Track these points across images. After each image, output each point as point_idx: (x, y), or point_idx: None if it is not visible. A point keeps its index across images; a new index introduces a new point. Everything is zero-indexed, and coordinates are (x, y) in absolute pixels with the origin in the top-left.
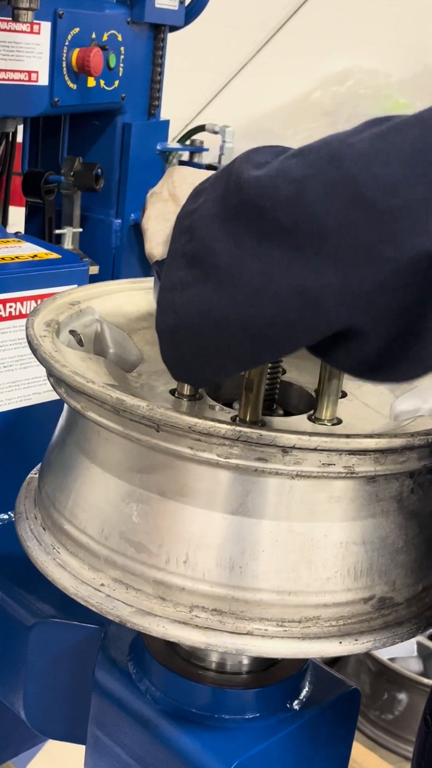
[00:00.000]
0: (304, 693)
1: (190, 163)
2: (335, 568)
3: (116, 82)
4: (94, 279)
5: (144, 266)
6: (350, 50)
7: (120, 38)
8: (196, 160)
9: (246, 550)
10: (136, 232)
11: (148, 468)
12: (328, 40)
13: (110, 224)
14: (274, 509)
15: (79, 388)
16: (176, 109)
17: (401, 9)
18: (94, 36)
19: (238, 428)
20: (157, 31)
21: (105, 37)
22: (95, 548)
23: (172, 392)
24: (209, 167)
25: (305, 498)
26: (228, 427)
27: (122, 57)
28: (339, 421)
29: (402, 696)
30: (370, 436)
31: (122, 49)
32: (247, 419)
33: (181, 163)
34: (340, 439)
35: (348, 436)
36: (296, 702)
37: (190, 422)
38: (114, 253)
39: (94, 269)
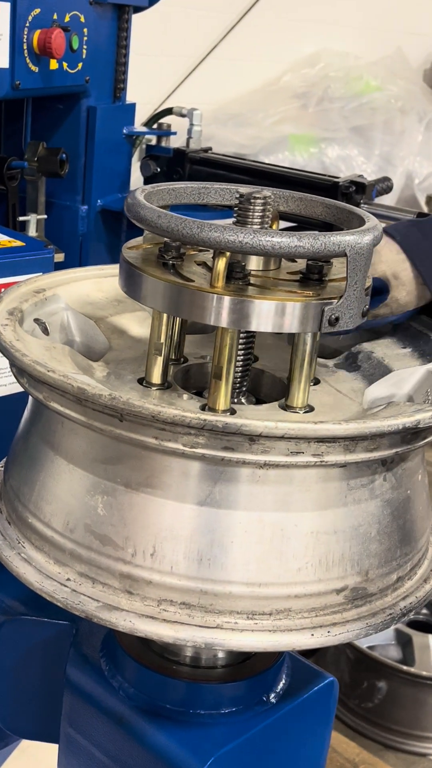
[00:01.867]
0: (280, 685)
1: (157, 148)
2: (306, 559)
3: (80, 65)
4: (59, 267)
5: (112, 253)
6: (320, 33)
7: (83, 19)
8: (163, 143)
9: (214, 541)
10: (103, 218)
11: (112, 459)
12: (298, 23)
13: (76, 210)
14: (243, 500)
15: (41, 378)
16: (145, 93)
17: None
18: (55, 17)
19: (203, 417)
20: (121, 12)
21: (67, 18)
22: (60, 542)
23: (140, 381)
24: (177, 151)
25: (274, 488)
26: (193, 415)
27: (85, 38)
28: (311, 409)
29: (381, 684)
30: (339, 422)
31: (85, 30)
32: (217, 408)
33: (149, 147)
34: (307, 426)
35: (316, 422)
36: (273, 695)
37: (153, 411)
38: (81, 240)
39: (59, 257)
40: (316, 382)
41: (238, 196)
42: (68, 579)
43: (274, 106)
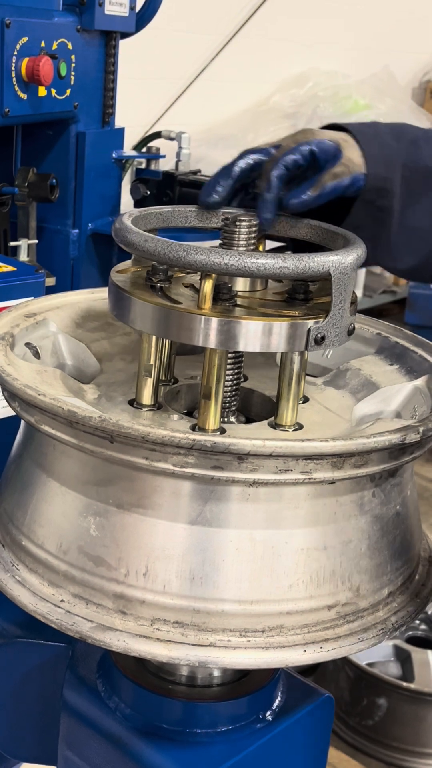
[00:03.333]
0: (276, 703)
1: (147, 171)
2: (297, 576)
3: (68, 91)
4: (51, 290)
5: (104, 275)
6: (308, 52)
7: (70, 46)
8: (152, 167)
9: (206, 560)
10: (95, 242)
11: (104, 480)
12: (286, 43)
13: (67, 234)
14: (234, 518)
15: (31, 401)
16: (136, 116)
17: (359, 9)
18: (43, 45)
19: (192, 437)
20: (108, 38)
21: (54, 46)
22: (54, 564)
23: (131, 403)
24: (166, 174)
25: (264, 505)
26: (182, 436)
27: (73, 65)
28: (300, 427)
29: (382, 701)
30: (326, 439)
31: (73, 57)
32: (207, 427)
33: (138, 171)
34: (295, 444)
35: (303, 440)
36: (269, 712)
37: (143, 432)
38: (72, 264)
39: (50, 281)
40: (305, 400)
41: (224, 219)
42: (62, 600)
43: (264, 127)
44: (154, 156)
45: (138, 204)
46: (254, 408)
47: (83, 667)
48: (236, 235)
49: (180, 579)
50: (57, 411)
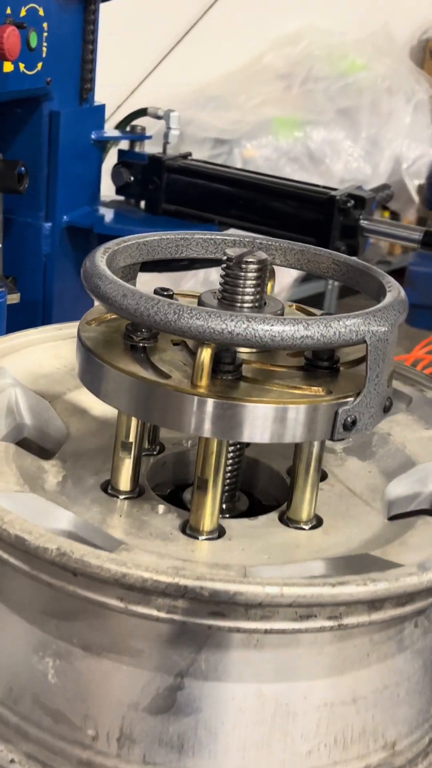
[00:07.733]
0: None
1: (130, 153)
2: (319, 738)
3: (39, 65)
4: (14, 309)
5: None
6: (303, 8)
7: (41, 13)
8: (137, 149)
9: (200, 723)
10: (70, 236)
11: (66, 614)
12: None
13: (39, 228)
14: (236, 669)
15: None
16: (113, 79)
17: None
18: (9, 12)
19: (183, 582)
20: (87, 2)
21: (23, 13)
22: (3, 713)
23: (105, 487)
24: (153, 158)
25: (277, 653)
26: (169, 580)
27: (45, 35)
28: (319, 522)
29: None
30: (365, 582)
31: (45, 25)
32: (201, 528)
33: (121, 153)
34: (323, 591)
35: (334, 584)
36: None
37: (116, 573)
38: (45, 262)
39: (13, 298)
40: (323, 476)
41: (225, 258)
42: (13, 760)
43: (255, 88)
44: (139, 137)
45: (120, 191)
46: (260, 483)
47: None
48: (241, 281)
49: (166, 747)
50: (2, 535)
